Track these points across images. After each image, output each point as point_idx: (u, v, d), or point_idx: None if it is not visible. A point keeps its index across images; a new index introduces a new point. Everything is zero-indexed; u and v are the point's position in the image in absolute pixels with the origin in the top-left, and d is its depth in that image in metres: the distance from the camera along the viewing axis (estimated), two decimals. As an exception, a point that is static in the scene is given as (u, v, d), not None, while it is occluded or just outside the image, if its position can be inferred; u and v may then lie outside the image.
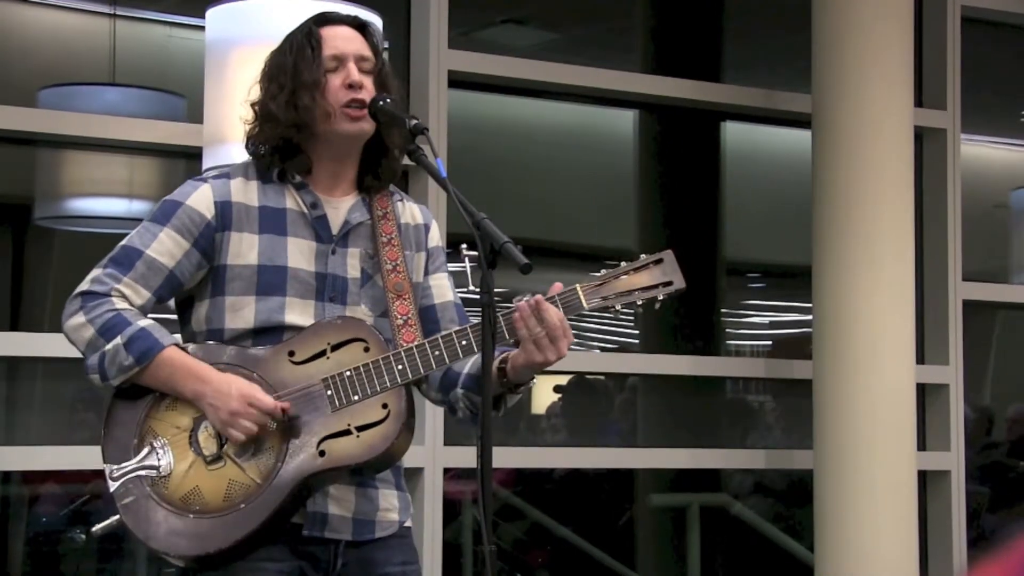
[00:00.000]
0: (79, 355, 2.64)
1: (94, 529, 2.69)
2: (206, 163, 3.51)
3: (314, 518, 2.63)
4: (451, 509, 5.13)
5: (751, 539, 6.00)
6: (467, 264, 2.55)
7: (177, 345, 2.63)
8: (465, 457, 4.84)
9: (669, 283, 2.63)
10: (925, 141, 5.84)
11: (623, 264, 2.63)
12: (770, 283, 6.63)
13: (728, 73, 5.95)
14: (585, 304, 2.60)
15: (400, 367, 2.59)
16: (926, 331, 5.78)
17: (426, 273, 2.81)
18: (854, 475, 5.00)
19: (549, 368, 2.61)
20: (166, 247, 2.64)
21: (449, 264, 2.88)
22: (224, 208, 2.66)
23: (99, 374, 2.60)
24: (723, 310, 6.11)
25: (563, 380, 5.94)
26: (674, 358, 5.56)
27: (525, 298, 2.57)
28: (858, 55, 5.09)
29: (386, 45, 2.89)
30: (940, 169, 5.82)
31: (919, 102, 5.71)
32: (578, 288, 2.61)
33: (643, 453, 5.71)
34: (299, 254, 2.67)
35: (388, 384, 2.58)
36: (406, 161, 2.78)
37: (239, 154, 3.28)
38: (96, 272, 2.65)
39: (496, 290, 2.45)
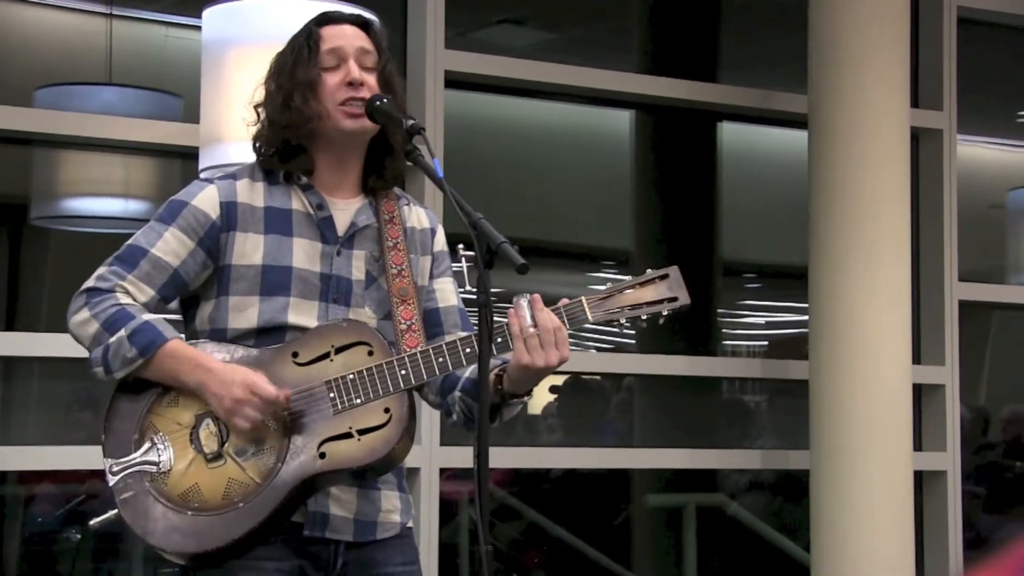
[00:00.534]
0: (76, 355, 2.65)
1: (92, 522, 2.69)
2: (202, 163, 3.50)
3: (315, 518, 2.63)
4: (448, 509, 5.13)
5: (747, 539, 6.00)
6: (464, 264, 2.55)
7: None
8: (462, 457, 4.83)
9: (674, 299, 2.63)
10: (921, 142, 5.84)
11: (628, 278, 2.64)
12: (766, 283, 6.63)
13: (724, 73, 5.95)
14: (590, 317, 2.60)
15: (403, 372, 2.59)
16: (922, 331, 5.78)
17: (431, 277, 2.80)
18: (850, 475, 4.99)
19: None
20: (171, 246, 2.64)
21: (448, 264, 2.89)
22: (229, 208, 2.66)
23: (103, 367, 2.60)
24: (719, 310, 6.11)
25: (559, 380, 5.94)
26: (670, 358, 5.56)
27: (525, 296, 2.58)
28: (854, 56, 5.09)
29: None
30: (936, 169, 5.82)
31: (915, 103, 5.71)
32: (583, 301, 2.61)
33: (639, 453, 5.71)
34: (304, 255, 2.67)
35: (391, 389, 2.58)
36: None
37: (235, 154, 3.29)
38: (101, 270, 2.65)
39: (493, 290, 2.45)
